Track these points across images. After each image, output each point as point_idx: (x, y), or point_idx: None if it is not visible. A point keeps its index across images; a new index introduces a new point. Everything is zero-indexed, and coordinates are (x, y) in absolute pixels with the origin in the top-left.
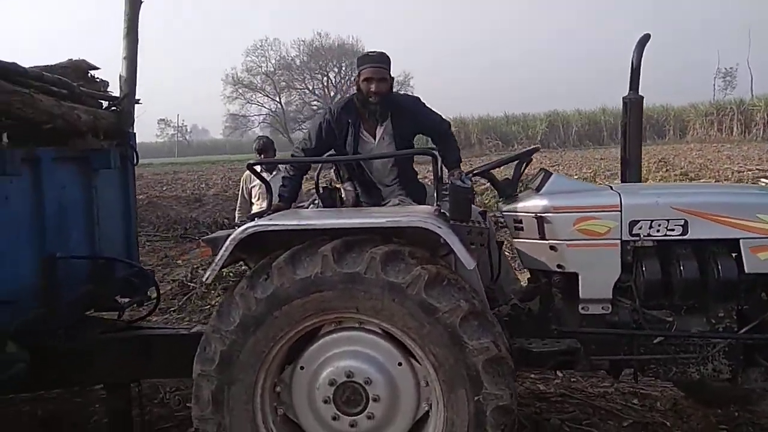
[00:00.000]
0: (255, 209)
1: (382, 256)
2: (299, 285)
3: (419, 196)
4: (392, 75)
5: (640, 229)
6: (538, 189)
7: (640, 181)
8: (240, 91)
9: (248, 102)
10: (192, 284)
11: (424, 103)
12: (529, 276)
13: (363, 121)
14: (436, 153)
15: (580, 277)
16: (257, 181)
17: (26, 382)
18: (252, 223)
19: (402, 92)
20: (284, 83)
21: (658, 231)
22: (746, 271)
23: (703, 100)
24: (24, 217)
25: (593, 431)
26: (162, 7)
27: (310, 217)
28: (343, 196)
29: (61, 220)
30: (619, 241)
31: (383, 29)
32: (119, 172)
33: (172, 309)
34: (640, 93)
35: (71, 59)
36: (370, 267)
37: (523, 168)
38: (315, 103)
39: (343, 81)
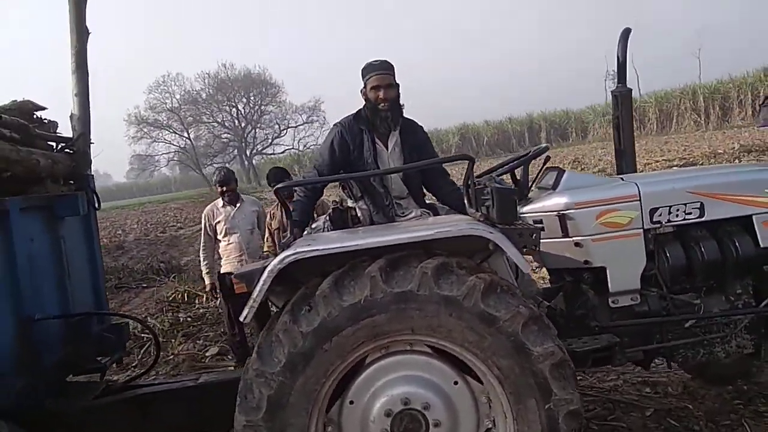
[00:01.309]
0: (222, 246)
1: (433, 269)
2: (348, 312)
3: (433, 211)
4: (398, 82)
5: (660, 216)
6: (554, 187)
7: (636, 171)
8: (145, 130)
9: (155, 141)
10: (145, 335)
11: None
12: (549, 277)
13: (374, 130)
14: (472, 156)
15: (608, 271)
16: (221, 217)
17: None
18: (290, 251)
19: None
20: (191, 118)
21: (677, 216)
22: (761, 245)
23: (600, 102)
24: None
25: (621, 425)
26: (46, 46)
27: (350, 239)
28: (359, 214)
29: (34, 276)
30: (641, 230)
31: (290, 57)
32: (82, 219)
33: (133, 365)
34: (628, 86)
35: (15, 100)
36: (423, 283)
37: (540, 170)
38: (225, 135)
39: (252, 111)
